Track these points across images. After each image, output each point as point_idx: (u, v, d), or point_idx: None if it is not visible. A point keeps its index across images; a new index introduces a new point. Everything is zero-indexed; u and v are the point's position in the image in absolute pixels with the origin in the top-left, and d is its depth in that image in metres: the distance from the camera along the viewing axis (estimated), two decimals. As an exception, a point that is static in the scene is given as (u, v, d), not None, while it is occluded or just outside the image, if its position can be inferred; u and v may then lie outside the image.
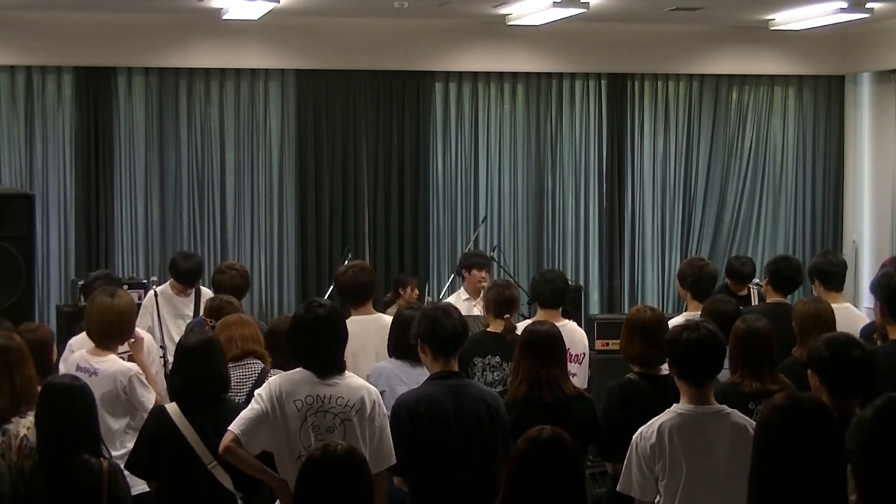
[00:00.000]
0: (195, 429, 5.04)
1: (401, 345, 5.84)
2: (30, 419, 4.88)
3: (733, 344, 5.31)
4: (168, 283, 8.27)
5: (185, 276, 8.01)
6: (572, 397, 5.41)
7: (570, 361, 6.65)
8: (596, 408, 5.55)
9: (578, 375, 6.72)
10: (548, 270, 7.18)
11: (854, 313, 6.93)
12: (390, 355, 6.06)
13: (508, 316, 6.51)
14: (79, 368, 5.89)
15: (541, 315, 6.77)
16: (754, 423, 4.60)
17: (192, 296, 8.05)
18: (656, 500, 4.54)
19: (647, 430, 4.54)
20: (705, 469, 4.46)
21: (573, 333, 6.86)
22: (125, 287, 7.92)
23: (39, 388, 4.81)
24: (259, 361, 5.81)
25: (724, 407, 4.60)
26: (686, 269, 7.20)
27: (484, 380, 6.24)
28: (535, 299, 6.99)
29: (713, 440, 4.49)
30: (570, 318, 7.25)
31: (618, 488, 4.69)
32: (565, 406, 5.33)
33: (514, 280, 10.54)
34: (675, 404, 4.60)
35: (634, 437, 4.58)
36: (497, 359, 6.36)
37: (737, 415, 4.59)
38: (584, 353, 6.88)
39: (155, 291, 7.89)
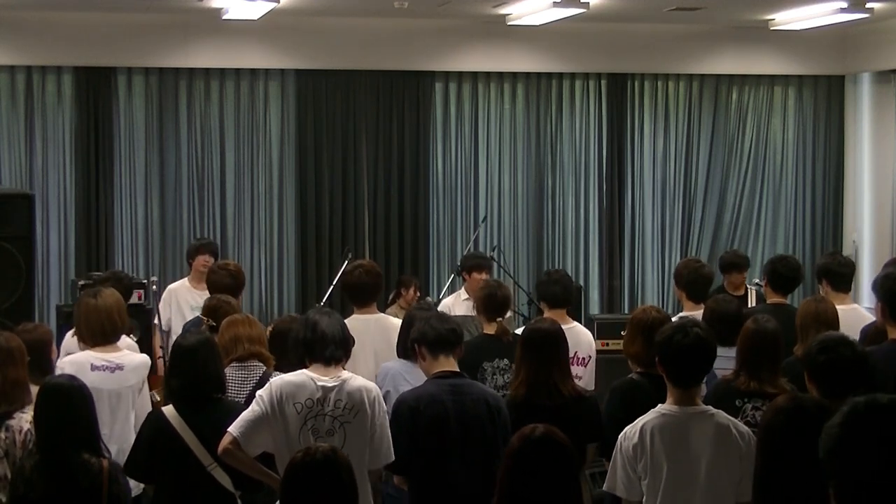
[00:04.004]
0: (193, 430, 5.03)
1: (408, 345, 5.83)
2: (31, 413, 4.88)
3: (740, 343, 5.33)
4: (186, 278, 8.79)
5: (193, 249, 8.95)
6: (571, 399, 5.40)
7: (577, 364, 6.63)
8: (598, 407, 5.55)
9: (584, 379, 6.67)
10: (553, 271, 7.14)
11: (861, 314, 6.91)
12: (399, 355, 6.06)
13: (501, 319, 6.48)
14: (95, 368, 5.86)
15: (547, 315, 6.69)
16: (738, 422, 4.63)
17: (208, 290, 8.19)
18: (642, 500, 4.54)
19: (631, 431, 4.54)
20: (686, 469, 4.45)
21: (580, 336, 6.80)
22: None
23: (38, 388, 4.79)
24: (262, 364, 5.81)
25: (709, 408, 4.59)
26: (682, 270, 7.20)
27: (494, 384, 6.18)
28: (540, 300, 6.94)
29: (695, 440, 4.48)
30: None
31: (604, 487, 4.72)
32: (564, 408, 5.32)
33: (514, 280, 10.56)
34: (659, 404, 4.60)
35: (619, 437, 4.58)
36: (505, 361, 6.31)
37: (721, 415, 4.57)
38: (591, 357, 6.81)
39: (155, 292, 8.08)
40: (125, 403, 5.92)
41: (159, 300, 8.85)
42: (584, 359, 6.74)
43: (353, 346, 5.15)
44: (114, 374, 5.85)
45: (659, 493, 4.45)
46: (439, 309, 7.88)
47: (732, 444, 4.44)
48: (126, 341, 6.63)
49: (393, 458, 5.02)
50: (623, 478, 4.53)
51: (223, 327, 5.89)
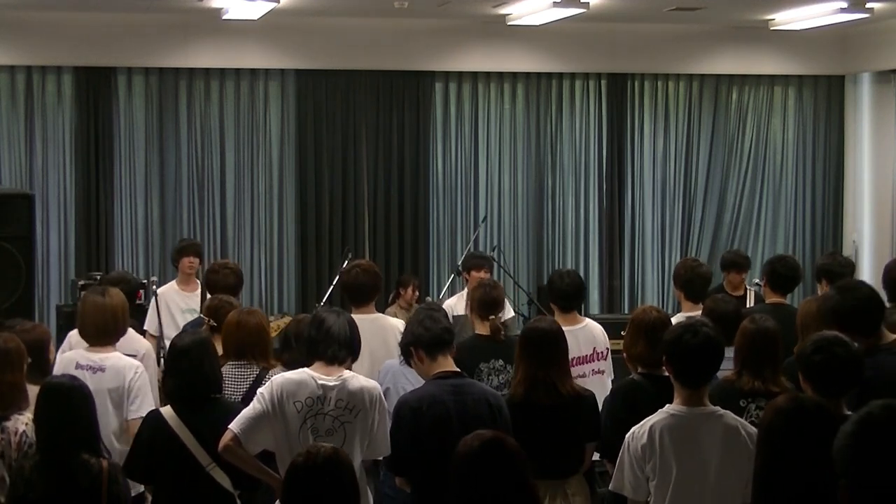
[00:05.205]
0: (191, 431, 5.03)
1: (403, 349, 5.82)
2: (28, 415, 4.88)
3: (740, 342, 5.31)
4: (174, 281, 8.69)
5: (177, 252, 8.82)
6: (570, 398, 5.41)
7: (598, 359, 6.71)
8: (597, 407, 5.55)
9: (608, 371, 6.75)
10: (566, 272, 7.10)
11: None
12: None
13: (493, 317, 6.49)
14: (79, 366, 5.85)
15: (559, 315, 6.68)
16: (746, 423, 4.62)
17: (199, 291, 8.15)
18: (649, 500, 4.54)
19: (639, 431, 4.54)
20: (695, 470, 4.45)
21: (594, 331, 6.82)
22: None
23: (38, 389, 4.79)
24: (259, 364, 5.78)
25: (718, 408, 4.58)
26: (680, 270, 7.21)
27: (490, 384, 6.20)
28: (553, 299, 6.90)
29: (704, 441, 4.48)
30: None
31: (610, 487, 4.70)
32: (562, 407, 5.34)
33: (514, 280, 10.56)
34: (668, 405, 4.60)
35: (627, 436, 4.58)
36: (500, 362, 6.33)
37: (730, 416, 4.57)
38: (608, 348, 6.85)
39: (155, 293, 8.01)
40: (101, 406, 5.81)
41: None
42: (602, 352, 6.77)
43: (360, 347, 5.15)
44: (94, 375, 5.81)
45: (668, 493, 4.45)
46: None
47: (741, 446, 4.43)
48: (144, 343, 6.63)
49: (389, 451, 5.05)
50: (630, 477, 4.53)
51: (224, 326, 5.88)
